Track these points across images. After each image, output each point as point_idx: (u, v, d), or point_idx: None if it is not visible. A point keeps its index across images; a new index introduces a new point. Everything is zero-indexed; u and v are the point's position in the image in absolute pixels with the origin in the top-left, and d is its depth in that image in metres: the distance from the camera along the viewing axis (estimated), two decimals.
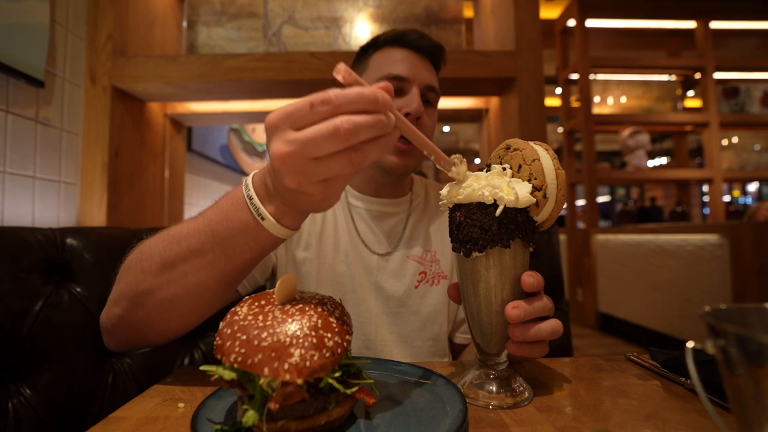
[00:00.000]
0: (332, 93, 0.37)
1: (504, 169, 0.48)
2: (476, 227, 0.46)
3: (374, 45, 0.83)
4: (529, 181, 0.47)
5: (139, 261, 0.53)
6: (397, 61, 0.79)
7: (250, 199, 0.46)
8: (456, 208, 0.48)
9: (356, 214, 0.84)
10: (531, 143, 0.50)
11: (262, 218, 0.46)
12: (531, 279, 0.47)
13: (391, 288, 0.80)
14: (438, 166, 0.49)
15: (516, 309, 0.46)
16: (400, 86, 0.77)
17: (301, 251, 0.79)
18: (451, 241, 0.50)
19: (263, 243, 0.49)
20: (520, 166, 0.48)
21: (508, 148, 0.51)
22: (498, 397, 0.47)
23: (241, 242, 0.48)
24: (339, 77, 0.39)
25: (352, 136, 0.37)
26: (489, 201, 0.45)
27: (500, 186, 0.45)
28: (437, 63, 0.85)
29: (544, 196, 0.46)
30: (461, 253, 0.47)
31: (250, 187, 0.47)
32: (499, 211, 0.44)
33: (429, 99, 0.81)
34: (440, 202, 0.51)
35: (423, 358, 0.79)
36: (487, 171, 0.49)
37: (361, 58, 0.85)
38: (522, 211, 0.46)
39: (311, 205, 0.45)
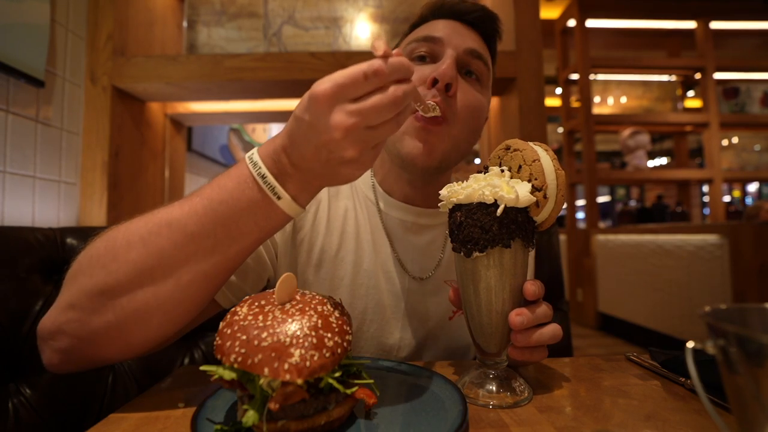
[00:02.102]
0: (378, 63, 0.39)
1: (502, 170, 0.49)
2: (477, 227, 0.46)
3: (418, 20, 0.70)
4: (529, 181, 0.47)
5: (110, 251, 0.45)
6: (432, 25, 0.66)
7: (263, 177, 0.43)
8: (456, 208, 0.48)
9: (388, 224, 0.69)
10: (531, 144, 0.50)
11: (279, 197, 0.44)
12: (533, 287, 0.47)
13: (422, 318, 0.68)
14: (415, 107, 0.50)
15: (519, 316, 0.46)
16: (431, 50, 0.64)
17: (311, 270, 0.66)
18: (451, 241, 0.50)
19: (273, 222, 0.46)
20: (520, 167, 0.48)
21: (507, 148, 0.51)
22: (498, 397, 0.47)
23: (250, 222, 0.45)
24: (379, 54, 0.39)
25: (403, 103, 0.40)
26: (489, 200, 0.45)
27: (500, 186, 0.45)
28: (489, 35, 0.69)
29: (545, 197, 0.46)
30: (462, 253, 0.47)
31: (260, 165, 0.44)
32: (500, 211, 0.44)
33: (471, 69, 0.65)
34: (439, 203, 0.51)
35: None
36: (485, 173, 0.49)
37: (404, 39, 0.72)
38: (522, 211, 0.47)
39: (349, 176, 0.44)
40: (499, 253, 0.46)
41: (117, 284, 0.44)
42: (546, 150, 0.49)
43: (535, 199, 0.46)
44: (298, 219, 0.67)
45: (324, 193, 0.69)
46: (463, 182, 0.49)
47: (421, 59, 0.65)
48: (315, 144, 0.41)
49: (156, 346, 0.50)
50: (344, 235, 0.68)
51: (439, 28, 0.65)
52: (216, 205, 0.44)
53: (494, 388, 0.48)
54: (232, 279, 0.59)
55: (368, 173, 0.73)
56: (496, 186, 0.45)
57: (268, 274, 0.65)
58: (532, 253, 0.73)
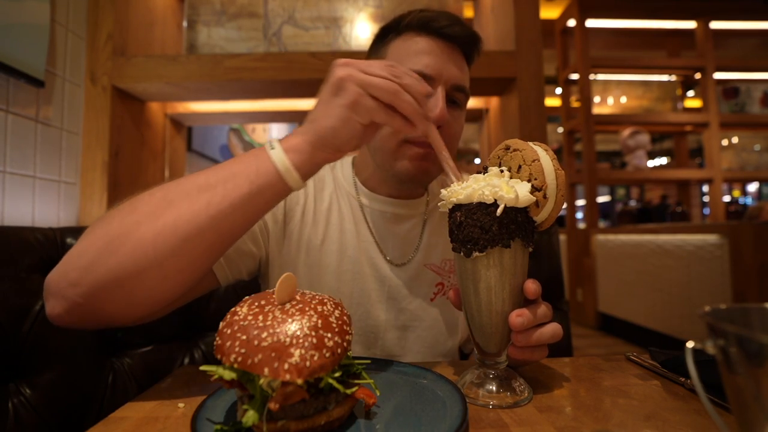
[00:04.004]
0: (397, 65, 0.51)
1: (502, 171, 0.49)
2: (477, 227, 0.46)
3: (396, 29, 0.70)
4: (528, 181, 0.47)
5: (129, 205, 0.49)
6: (420, 52, 0.66)
7: (270, 143, 0.51)
8: (456, 208, 0.48)
9: (369, 216, 0.75)
10: (530, 144, 0.50)
11: (272, 147, 0.50)
12: (534, 286, 0.48)
13: (405, 300, 0.73)
14: (444, 173, 0.54)
15: (520, 317, 0.46)
16: None
17: (301, 257, 0.72)
18: (451, 241, 0.50)
19: (263, 177, 0.49)
20: (519, 167, 0.48)
21: (507, 148, 0.51)
22: (498, 397, 0.47)
23: (242, 175, 0.49)
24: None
25: (398, 96, 0.48)
26: (489, 200, 0.45)
27: (500, 185, 0.45)
28: (470, 55, 0.72)
29: (544, 196, 0.46)
30: (461, 253, 0.47)
31: (273, 141, 0.51)
32: (499, 211, 0.44)
33: (456, 100, 0.69)
34: (439, 203, 0.51)
35: None
36: (484, 173, 0.49)
37: (379, 44, 0.73)
38: (522, 211, 0.47)
39: (341, 135, 0.50)
40: (498, 253, 0.46)
41: (130, 221, 0.47)
42: (546, 150, 0.49)
43: (534, 199, 0.46)
44: (289, 210, 0.73)
45: (310, 189, 0.75)
46: (462, 182, 0.49)
47: None
48: (323, 92, 0.50)
49: (156, 307, 0.52)
50: (329, 226, 0.74)
51: (428, 59, 0.66)
52: (219, 167, 0.51)
53: (494, 388, 0.48)
54: (231, 254, 0.63)
55: (351, 173, 0.79)
56: (495, 186, 0.45)
57: (260, 255, 0.70)
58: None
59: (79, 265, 0.47)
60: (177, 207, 0.47)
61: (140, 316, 0.53)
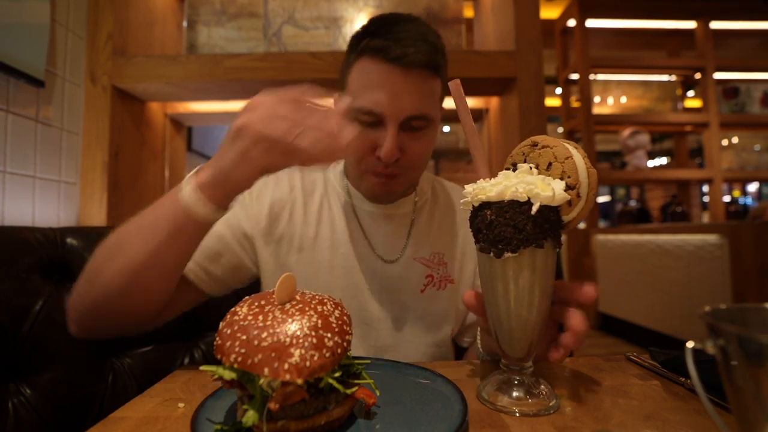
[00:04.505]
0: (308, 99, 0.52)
1: (531, 168, 0.46)
2: (509, 226, 0.43)
3: (356, 49, 0.69)
4: (561, 179, 0.45)
5: (103, 244, 0.59)
6: (371, 86, 0.66)
7: (188, 178, 0.54)
8: (484, 206, 0.45)
9: (362, 215, 0.80)
10: (560, 140, 0.48)
11: (186, 185, 0.53)
12: (592, 291, 0.47)
13: (397, 292, 0.76)
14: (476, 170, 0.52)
15: (557, 353, 0.47)
16: (373, 119, 0.67)
17: (293, 255, 0.76)
18: (478, 242, 0.46)
19: (182, 217, 0.53)
20: (549, 164, 0.46)
21: (534, 145, 0.49)
22: (524, 404, 0.45)
23: (164, 219, 0.54)
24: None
25: (294, 143, 0.49)
26: (523, 198, 0.42)
27: (535, 183, 0.42)
28: (437, 67, 0.69)
29: (578, 195, 0.44)
30: (491, 254, 0.44)
31: (191, 176, 0.54)
32: (535, 209, 0.42)
33: (416, 127, 0.68)
34: (462, 200, 0.48)
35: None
36: (513, 170, 0.47)
37: (348, 58, 0.72)
38: (554, 210, 0.44)
39: (243, 176, 0.52)
40: (531, 254, 0.43)
41: (96, 267, 0.58)
42: (576, 147, 0.47)
43: (569, 197, 0.44)
44: (274, 214, 0.77)
45: (298, 191, 0.80)
46: (489, 180, 0.46)
47: (369, 121, 0.68)
48: (226, 134, 0.53)
49: (142, 318, 0.62)
50: (320, 224, 0.78)
51: (378, 95, 0.65)
52: (157, 201, 0.57)
53: (520, 395, 0.46)
54: (204, 263, 0.69)
55: (342, 176, 0.83)
56: (530, 183, 0.42)
57: (249, 261, 0.75)
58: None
59: (75, 292, 0.60)
60: (125, 249, 0.56)
61: (135, 327, 0.63)
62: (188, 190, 0.53)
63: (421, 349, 0.76)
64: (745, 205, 6.12)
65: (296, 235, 0.77)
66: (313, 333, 0.37)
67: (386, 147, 0.65)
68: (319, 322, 0.38)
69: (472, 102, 1.88)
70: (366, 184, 0.74)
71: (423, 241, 0.80)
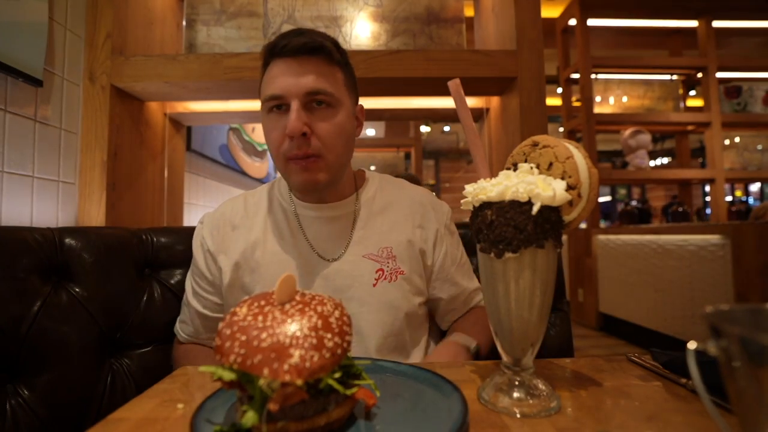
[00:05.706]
0: None
1: (531, 167, 0.46)
2: (510, 226, 0.43)
3: (263, 62, 0.78)
4: (562, 179, 0.45)
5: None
6: (273, 78, 0.73)
7: None
8: (485, 206, 0.45)
9: (304, 222, 0.84)
10: (561, 140, 0.48)
11: None
12: None
13: (350, 289, 0.80)
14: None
15: None
16: (280, 103, 0.73)
17: (247, 277, 0.80)
18: (478, 242, 0.47)
19: None
20: (550, 164, 0.46)
21: (535, 144, 0.49)
22: (525, 405, 0.45)
23: None
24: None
25: None
26: (523, 198, 0.43)
27: (536, 183, 0.42)
28: (330, 54, 0.75)
29: (579, 195, 0.44)
30: (492, 254, 0.44)
31: None
32: (535, 209, 0.42)
33: (321, 101, 0.74)
34: (462, 200, 0.49)
35: (384, 355, 0.78)
36: (514, 170, 0.47)
37: (261, 76, 0.80)
38: (555, 210, 0.44)
39: None
40: (531, 254, 0.44)
41: None
42: (577, 147, 0.47)
43: (570, 197, 0.44)
44: (216, 249, 0.83)
45: (242, 223, 0.85)
46: (489, 180, 0.46)
47: (278, 107, 0.74)
48: None
49: None
50: (266, 234, 0.83)
51: (278, 81, 0.72)
52: None
53: (521, 396, 0.46)
54: (210, 296, 0.82)
55: (286, 189, 0.87)
56: (531, 183, 0.43)
57: (220, 288, 0.82)
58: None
59: None
60: None
61: None
62: None
63: (377, 341, 0.79)
64: (747, 204, 6.09)
65: (245, 252, 0.81)
66: (313, 333, 0.37)
67: (290, 121, 0.70)
68: (319, 322, 0.38)
69: (472, 101, 1.87)
70: (292, 177, 0.76)
71: (367, 239, 0.83)
